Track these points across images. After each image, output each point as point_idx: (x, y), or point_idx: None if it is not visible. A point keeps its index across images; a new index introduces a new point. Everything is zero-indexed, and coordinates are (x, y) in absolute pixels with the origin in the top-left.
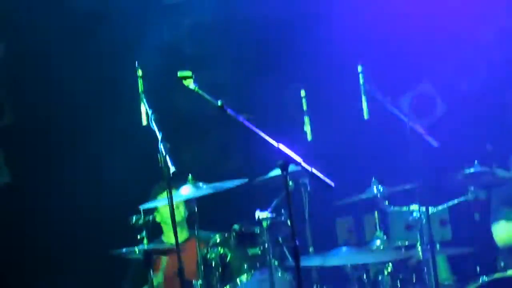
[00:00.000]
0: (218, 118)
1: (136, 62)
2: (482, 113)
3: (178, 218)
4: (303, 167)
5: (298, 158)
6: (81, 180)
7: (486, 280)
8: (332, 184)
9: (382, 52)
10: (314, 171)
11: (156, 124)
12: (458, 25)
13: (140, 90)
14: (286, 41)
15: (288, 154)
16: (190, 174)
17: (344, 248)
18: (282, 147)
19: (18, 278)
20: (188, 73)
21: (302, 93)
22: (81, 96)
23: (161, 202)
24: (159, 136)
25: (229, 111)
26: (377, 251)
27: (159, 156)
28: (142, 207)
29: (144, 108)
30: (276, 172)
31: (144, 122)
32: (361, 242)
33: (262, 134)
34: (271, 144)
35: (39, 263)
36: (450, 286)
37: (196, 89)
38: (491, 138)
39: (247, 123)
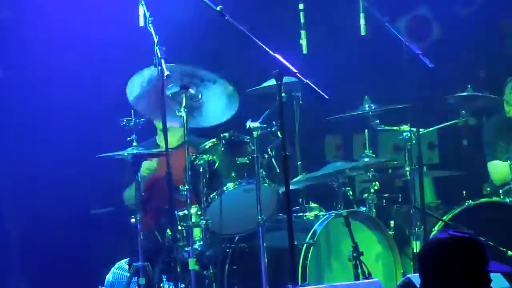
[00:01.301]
0: (213, 27)
1: None
2: (478, 39)
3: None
4: (298, 78)
5: (293, 69)
6: (68, 80)
7: (472, 204)
8: (327, 96)
9: None
10: (309, 82)
11: (153, 27)
12: None
13: None
14: None
15: (284, 64)
16: None
17: (333, 164)
18: (278, 57)
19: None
20: None
21: (301, 6)
22: None
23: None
24: (156, 39)
25: (228, 17)
26: (365, 167)
27: (154, 59)
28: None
29: (142, 9)
30: (270, 82)
31: (141, 23)
32: (348, 159)
33: (260, 43)
34: (266, 55)
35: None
36: (436, 208)
37: None
38: (486, 65)
39: (244, 31)
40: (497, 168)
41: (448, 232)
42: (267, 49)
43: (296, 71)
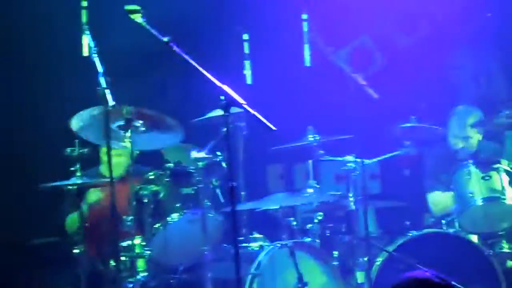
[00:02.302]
0: (157, 57)
1: None
2: (420, 70)
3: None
4: (245, 109)
5: (241, 100)
6: (15, 111)
7: (416, 234)
8: (274, 128)
9: (324, 3)
10: (256, 114)
11: (97, 57)
12: None
13: (83, 20)
14: None
15: (231, 95)
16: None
17: (276, 194)
18: (226, 88)
19: None
20: (136, 7)
21: (245, 36)
22: (21, 24)
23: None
24: (100, 69)
25: (175, 47)
26: (309, 198)
27: (98, 89)
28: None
29: (86, 39)
30: (215, 113)
31: (85, 53)
32: (291, 190)
33: (207, 74)
34: (210, 85)
35: None
36: (378, 238)
37: (144, 23)
38: (428, 96)
39: (192, 61)
40: (437, 200)
41: (428, 273)
42: (214, 80)
43: (244, 102)
